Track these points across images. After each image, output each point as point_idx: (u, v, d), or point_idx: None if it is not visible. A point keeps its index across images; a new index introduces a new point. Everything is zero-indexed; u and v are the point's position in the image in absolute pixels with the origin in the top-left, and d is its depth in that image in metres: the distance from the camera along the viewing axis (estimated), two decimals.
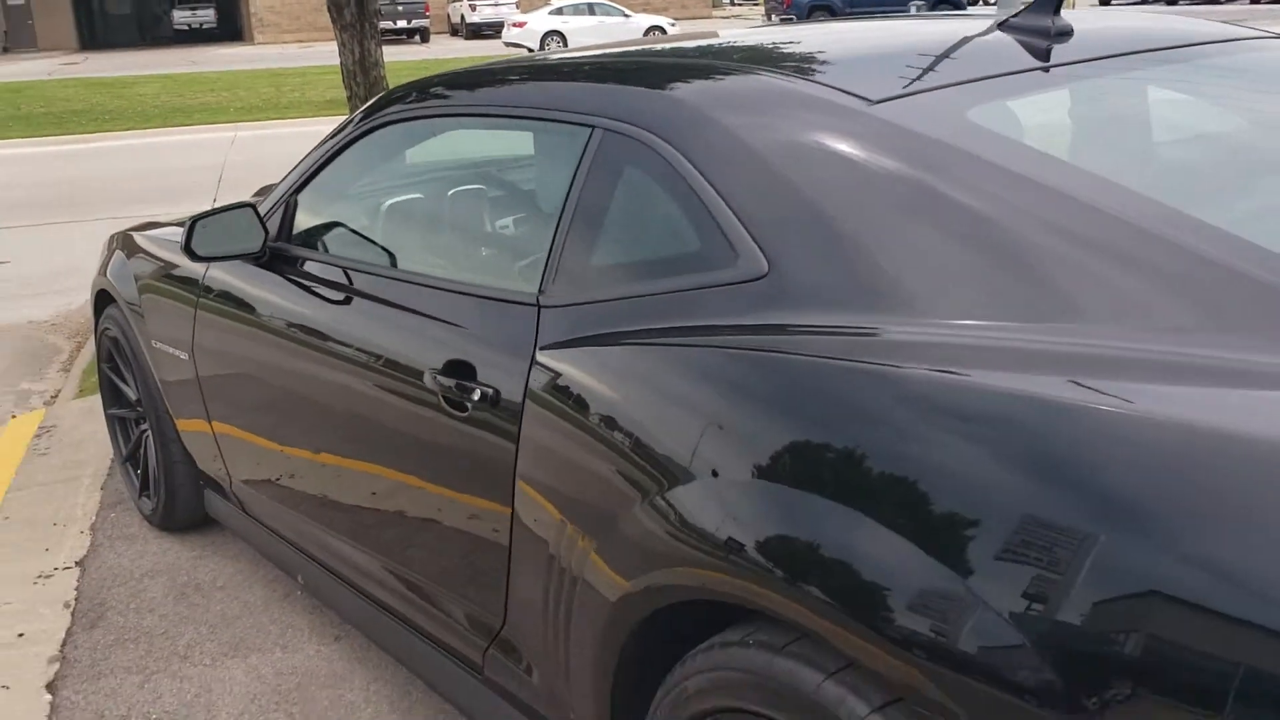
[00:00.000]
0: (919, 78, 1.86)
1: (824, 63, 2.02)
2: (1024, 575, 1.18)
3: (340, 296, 2.48)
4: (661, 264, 1.83)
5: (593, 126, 2.01)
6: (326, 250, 2.68)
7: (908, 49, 2.12)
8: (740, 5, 59.84)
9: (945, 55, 1.99)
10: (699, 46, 2.39)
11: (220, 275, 2.93)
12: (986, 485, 1.24)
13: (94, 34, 44.23)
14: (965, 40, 2.11)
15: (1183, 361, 1.28)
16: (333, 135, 2.76)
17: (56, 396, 5.28)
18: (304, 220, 2.78)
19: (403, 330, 2.24)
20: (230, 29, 44.22)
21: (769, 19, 35.63)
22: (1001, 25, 2.16)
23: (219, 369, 2.96)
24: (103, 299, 3.75)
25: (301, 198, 2.80)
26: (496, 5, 38.54)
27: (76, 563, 3.55)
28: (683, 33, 2.41)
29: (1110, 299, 1.40)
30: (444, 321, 2.15)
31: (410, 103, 2.53)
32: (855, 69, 1.97)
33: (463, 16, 40.01)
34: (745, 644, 1.49)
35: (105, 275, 3.67)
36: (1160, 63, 2.09)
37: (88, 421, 4.68)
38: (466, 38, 39.01)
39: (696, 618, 1.61)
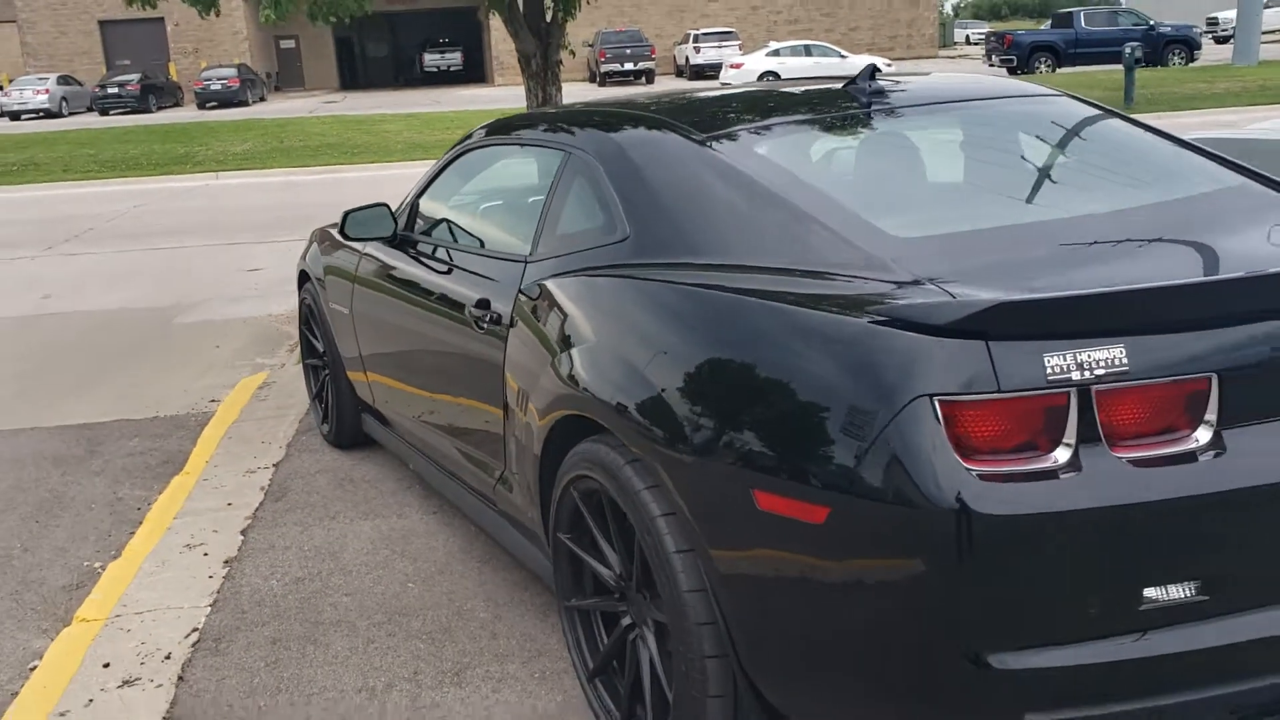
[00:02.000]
0: (738, 123, 2.97)
1: (694, 111, 3.14)
2: (700, 391, 2.28)
3: (429, 263, 3.75)
4: (586, 234, 2.99)
5: (567, 151, 3.20)
6: (426, 234, 3.96)
7: (757, 103, 3.23)
8: (975, 44, 59.61)
9: (769, 107, 3.10)
10: (636, 103, 3.48)
11: (369, 254, 4.27)
12: (679, 345, 2.34)
13: (354, 75, 48.51)
14: (793, 96, 3.20)
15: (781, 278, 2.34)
16: (441, 160, 4.05)
17: (282, 368, 6.82)
18: (419, 216, 4.08)
19: (458, 281, 3.48)
20: (474, 71, 47.58)
21: (989, 59, 35.74)
22: (846, 85, 3.22)
23: (366, 320, 4.29)
24: (302, 278, 5.18)
25: (420, 201, 4.11)
26: (720, 47, 40.07)
27: (274, 465, 4.95)
28: (636, 93, 3.55)
29: (783, 248, 2.46)
30: (478, 274, 3.37)
31: (477, 140, 3.80)
32: (707, 116, 3.08)
33: (687, 58, 41.77)
34: (594, 443, 2.63)
35: (304, 260, 5.11)
36: (927, 112, 3.11)
37: (297, 381, 6.15)
38: (690, 78, 40.71)
39: (572, 431, 2.75)
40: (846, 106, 3.13)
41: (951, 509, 1.86)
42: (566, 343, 2.73)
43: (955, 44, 65.54)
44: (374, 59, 51.59)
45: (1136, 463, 1.91)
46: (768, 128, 2.97)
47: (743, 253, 2.49)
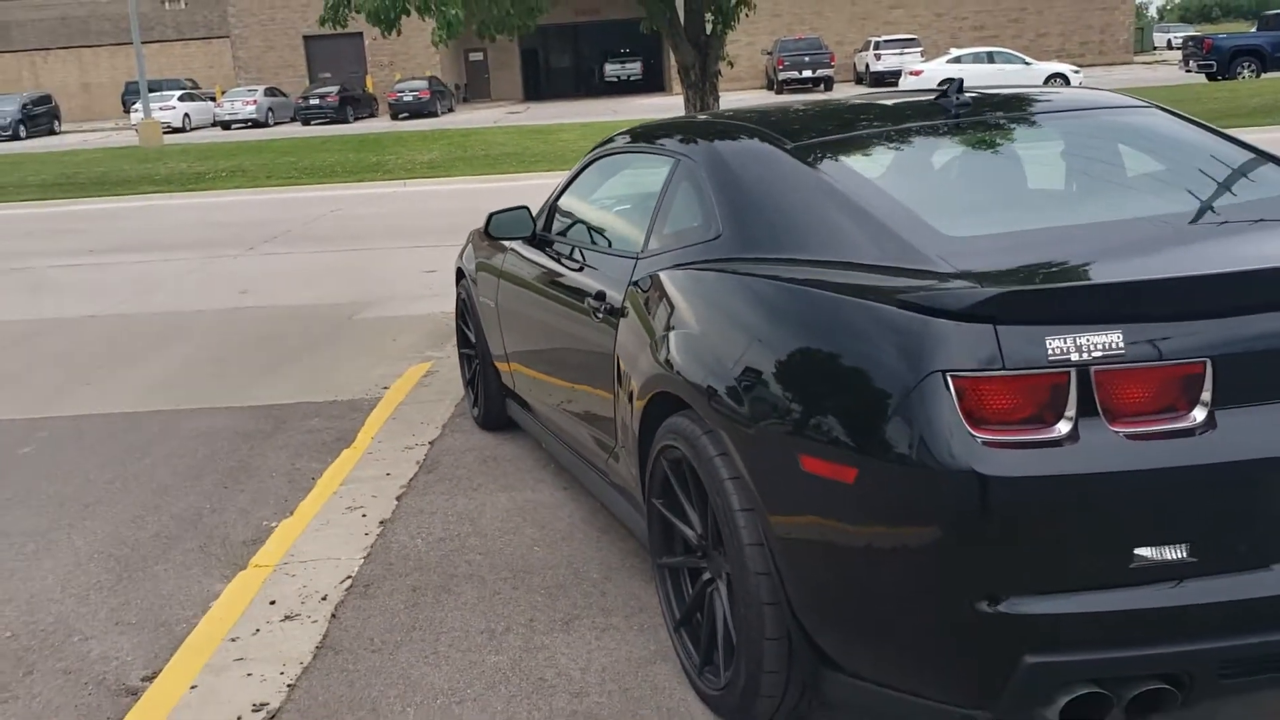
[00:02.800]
0: (825, 131, 3.27)
1: (791, 121, 3.44)
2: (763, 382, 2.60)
3: (560, 259, 4.16)
4: (687, 232, 3.33)
5: (677, 158, 3.55)
6: (560, 234, 4.38)
7: (849, 113, 3.51)
8: (1177, 49, 57.28)
9: (858, 118, 3.38)
10: (743, 113, 3.79)
11: (513, 251, 4.72)
12: (770, 338, 2.65)
13: (538, 86, 50.03)
14: (884, 107, 3.47)
15: (854, 272, 2.64)
16: (578, 165, 4.46)
17: (447, 359, 7.39)
18: (555, 216, 4.51)
19: (582, 276, 3.88)
20: (654, 80, 48.43)
21: (1186, 65, 34.41)
22: (937, 97, 3.47)
23: (508, 312, 4.74)
24: (459, 274, 5.68)
25: (557, 203, 4.53)
26: (902, 54, 39.73)
27: (429, 442, 5.47)
28: (738, 109, 3.88)
29: (847, 245, 2.75)
30: (598, 269, 3.76)
31: (606, 147, 4.19)
32: (800, 126, 3.38)
33: (867, 65, 41.55)
34: (680, 417, 2.97)
35: (460, 258, 5.62)
36: (1004, 122, 3.34)
37: (457, 370, 6.69)
38: (869, 85, 40.48)
39: (664, 408, 3.10)
40: (930, 117, 3.39)
41: (958, 470, 2.13)
42: (659, 328, 3.09)
43: (1155, 48, 62.91)
44: (557, 69, 53.11)
45: (1132, 436, 2.14)
46: (852, 137, 3.26)
47: (814, 249, 2.80)
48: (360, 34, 45.25)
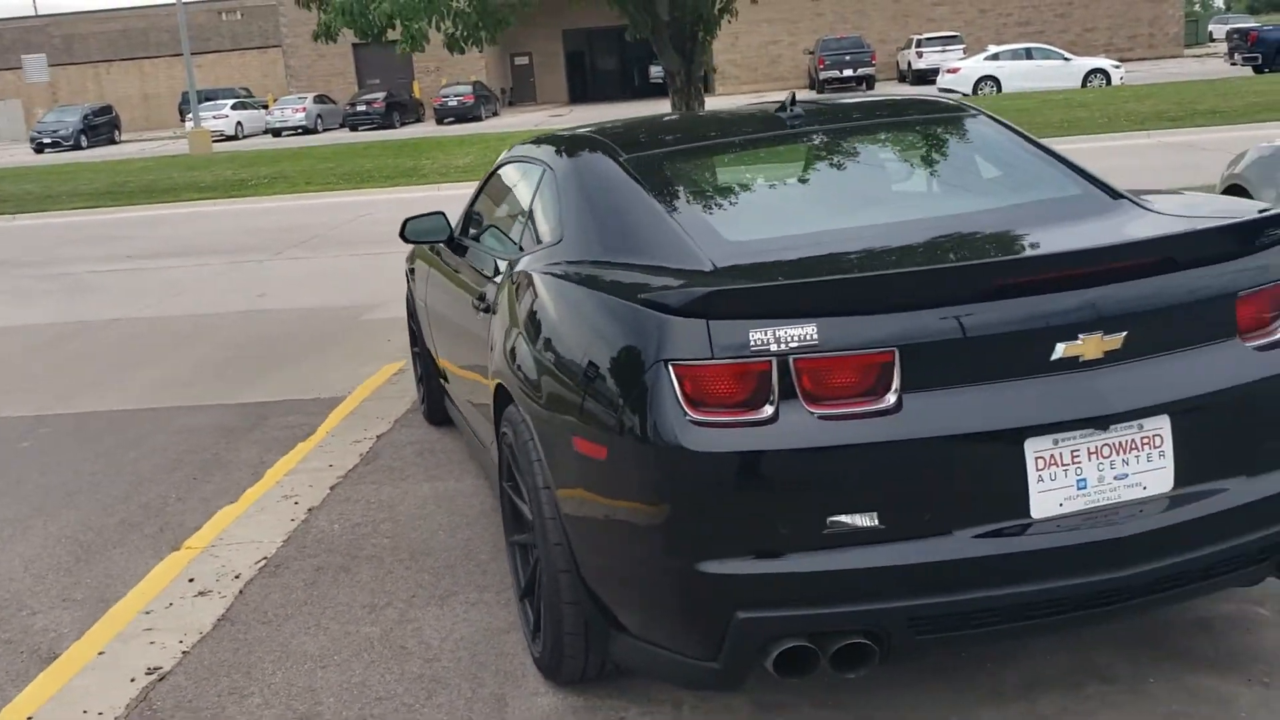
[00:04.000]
0: (660, 144, 3.54)
1: (635, 133, 3.71)
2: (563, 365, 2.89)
3: (463, 260, 4.48)
4: (544, 236, 3.62)
5: (546, 166, 3.84)
6: (468, 236, 4.70)
7: (687, 126, 3.79)
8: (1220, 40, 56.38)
9: (695, 130, 3.66)
10: (605, 125, 4.06)
11: (435, 254, 5.04)
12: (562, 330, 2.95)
13: (584, 89, 50.45)
14: (724, 119, 3.75)
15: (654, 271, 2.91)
16: (488, 172, 4.77)
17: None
18: (469, 220, 4.82)
19: (474, 276, 4.18)
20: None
21: (1231, 58, 33.93)
22: (777, 110, 3.72)
23: (432, 310, 5.07)
24: (409, 275, 6.02)
25: (471, 208, 4.85)
26: (944, 51, 39.55)
27: (377, 436, 5.81)
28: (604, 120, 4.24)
29: (646, 248, 3.03)
30: (486, 271, 4.06)
31: (509, 154, 4.50)
32: (641, 138, 3.65)
33: (909, 64, 41.42)
34: (511, 405, 3.27)
35: (407, 259, 5.95)
36: (826, 133, 3.60)
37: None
38: (912, 84, 40.35)
39: (507, 400, 3.39)
40: (764, 129, 3.66)
41: (674, 447, 2.41)
42: (506, 325, 3.39)
43: (1214, 40, 61.81)
44: (602, 72, 53.53)
45: (826, 417, 2.41)
46: (683, 149, 3.55)
47: (623, 252, 3.07)
48: None
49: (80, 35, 52.45)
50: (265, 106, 42.64)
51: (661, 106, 41.26)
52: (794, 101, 3.69)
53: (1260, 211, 2.88)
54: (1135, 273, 2.52)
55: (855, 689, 3.03)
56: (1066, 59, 33.62)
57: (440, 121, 39.50)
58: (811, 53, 42.89)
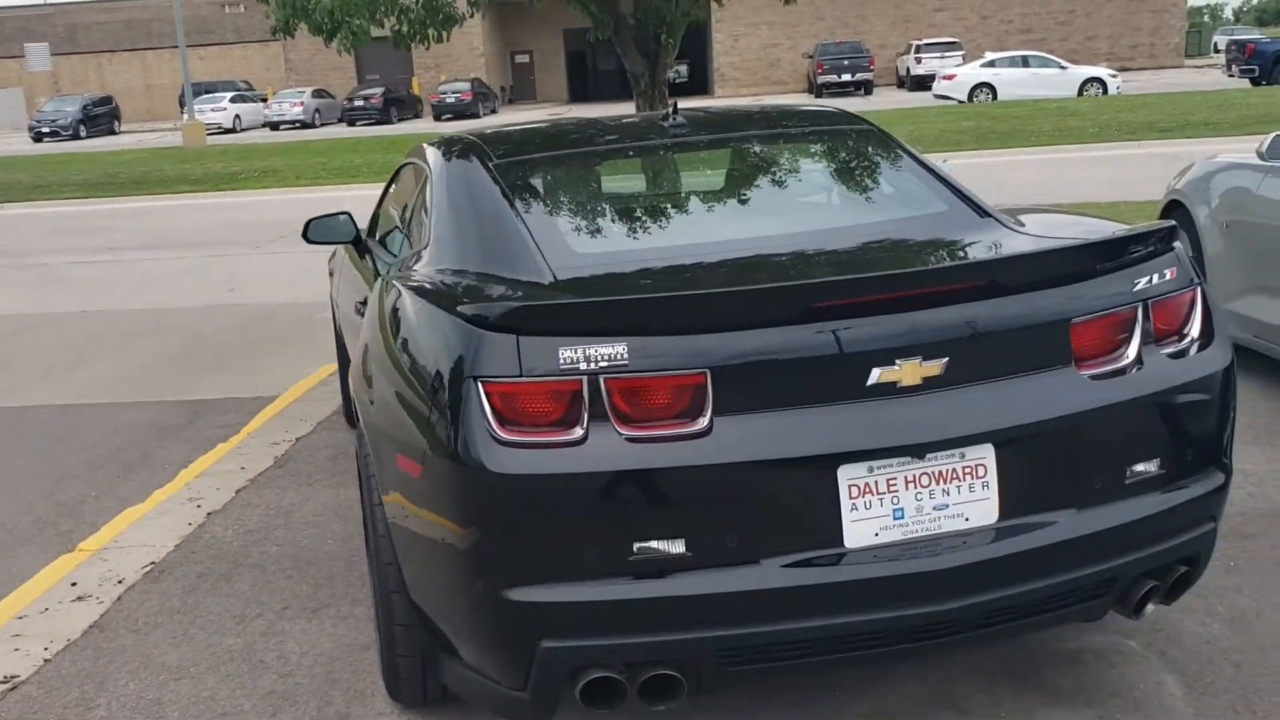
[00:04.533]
0: (534, 150, 3.47)
1: (511, 139, 3.64)
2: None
3: (363, 262, 4.41)
4: (417, 242, 3.54)
5: (428, 171, 3.75)
6: (372, 239, 4.63)
7: (568, 132, 3.72)
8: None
9: (576, 136, 3.58)
10: (486, 130, 3.99)
11: (343, 256, 4.97)
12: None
13: (584, 88, 50.35)
14: (604, 126, 3.67)
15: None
16: (392, 174, 4.70)
17: None
18: (376, 222, 4.75)
19: (366, 280, 4.11)
20: (699, 83, 48.58)
21: (1229, 70, 33.81)
22: (661, 119, 3.65)
23: (339, 309, 5.00)
24: (330, 276, 5.96)
25: (378, 210, 4.78)
26: (943, 58, 39.44)
27: (296, 439, 5.75)
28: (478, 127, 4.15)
29: (495, 258, 2.95)
30: (369, 276, 3.99)
31: (408, 156, 4.43)
32: (517, 144, 3.58)
33: (908, 69, 41.35)
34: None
35: (329, 260, 5.89)
36: (698, 145, 3.53)
37: None
38: (910, 89, 40.27)
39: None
40: (643, 138, 3.59)
41: (480, 469, 2.34)
42: (359, 333, 3.32)
43: (1218, 51, 61.60)
44: (604, 72, 53.30)
45: (635, 439, 2.33)
46: (555, 155, 3.48)
47: (474, 262, 3.00)
48: None
49: (83, 25, 52.44)
50: (264, 100, 42.61)
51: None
52: (676, 110, 3.61)
53: (1104, 235, 2.81)
54: (959, 297, 2.45)
55: (688, 713, 2.96)
56: (1063, 67, 33.50)
57: (438, 118, 39.44)
58: (810, 57, 42.80)
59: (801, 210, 3.34)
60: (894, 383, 2.39)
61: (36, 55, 43.87)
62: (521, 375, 2.34)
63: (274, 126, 39.72)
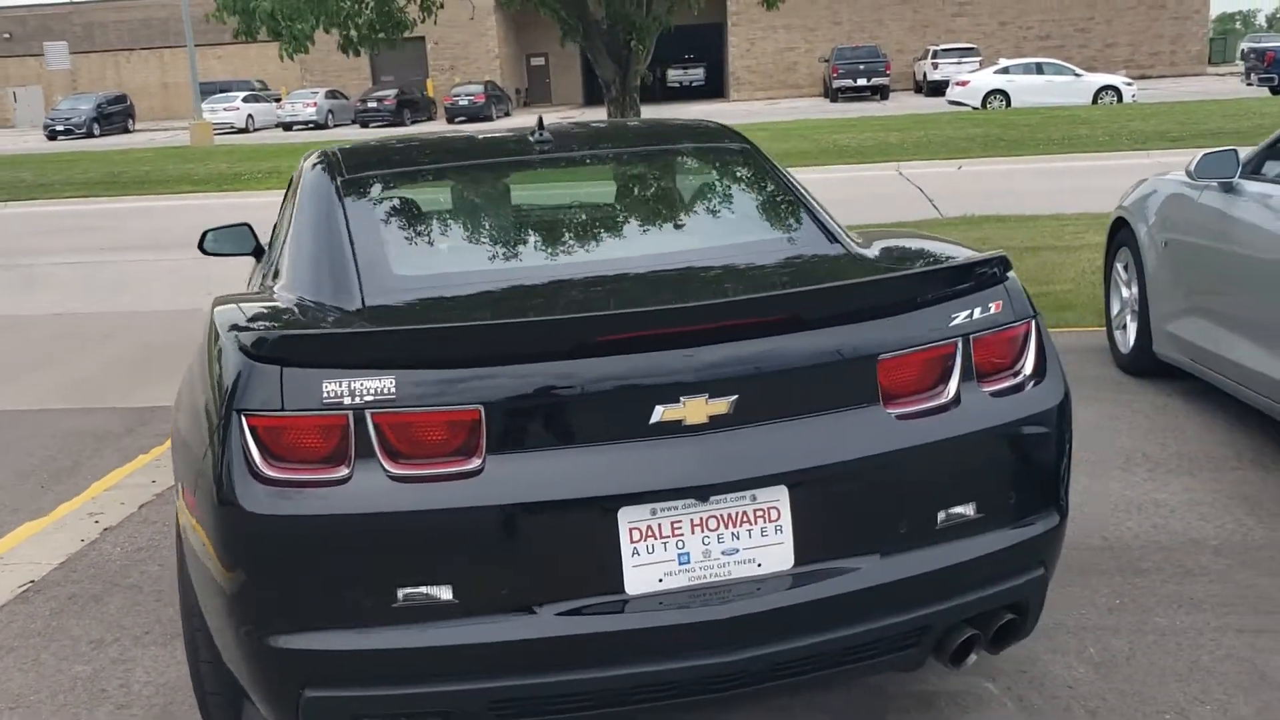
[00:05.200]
0: (387, 166, 3.35)
1: (368, 153, 3.50)
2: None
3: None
4: (273, 257, 3.43)
5: (297, 181, 3.65)
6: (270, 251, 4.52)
7: (429, 147, 3.60)
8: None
9: (434, 151, 3.47)
10: (366, 143, 3.88)
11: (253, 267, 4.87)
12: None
13: (598, 91, 50.17)
14: (469, 141, 3.55)
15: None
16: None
17: None
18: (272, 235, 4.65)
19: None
20: (715, 86, 48.46)
21: (1247, 79, 33.44)
22: (529, 134, 3.52)
23: None
24: None
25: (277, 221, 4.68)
26: (960, 63, 39.15)
27: None
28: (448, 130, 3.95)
29: (315, 282, 2.84)
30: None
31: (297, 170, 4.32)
32: (372, 158, 3.45)
33: (925, 75, 41.08)
34: None
35: None
36: (557, 163, 3.41)
37: None
38: (926, 94, 39.98)
39: None
40: (508, 154, 3.47)
41: (237, 508, 2.23)
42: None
43: (1246, 58, 60.92)
44: None
45: (403, 479, 2.21)
46: (403, 171, 3.37)
47: (298, 285, 2.88)
48: (422, 38, 46.01)
49: (101, 23, 52.75)
50: (278, 100, 42.70)
51: (675, 110, 41.00)
52: (541, 126, 3.49)
53: (923, 268, 2.67)
54: (750, 331, 2.32)
55: None
56: (1077, 75, 33.16)
57: (451, 120, 39.44)
58: (827, 61, 42.60)
59: (646, 234, 3.22)
60: (679, 421, 2.26)
61: (55, 53, 44.18)
62: (284, 409, 2.23)
63: (287, 127, 39.80)
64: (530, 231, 3.27)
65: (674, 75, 49.67)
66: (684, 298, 2.62)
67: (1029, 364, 2.57)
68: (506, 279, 2.80)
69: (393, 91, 40.38)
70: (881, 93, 39.88)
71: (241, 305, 2.74)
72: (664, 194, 3.40)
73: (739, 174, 3.38)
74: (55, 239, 15.23)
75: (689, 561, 2.29)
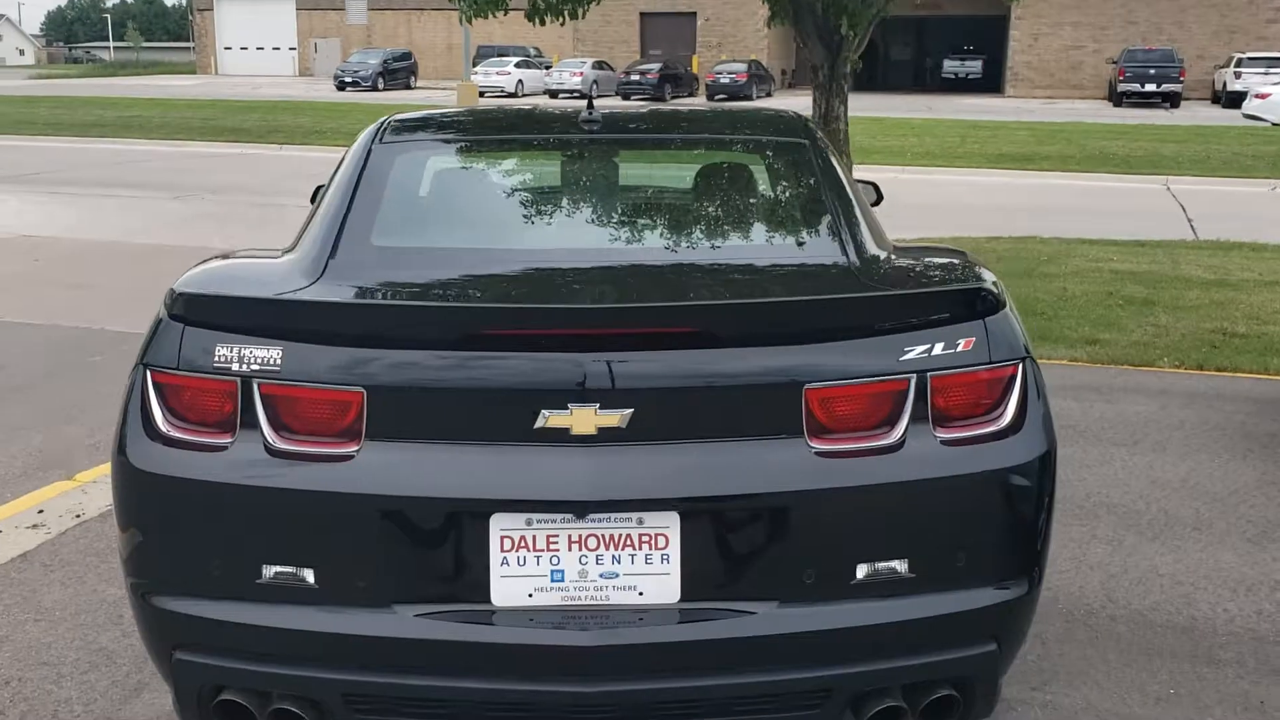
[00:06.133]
0: (414, 133, 3.26)
1: (409, 122, 3.42)
2: None
3: None
4: None
5: None
6: None
7: (456, 120, 3.49)
8: None
9: (455, 123, 3.37)
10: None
11: None
12: None
13: (871, 77, 48.92)
14: (519, 116, 3.43)
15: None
16: None
17: None
18: None
19: None
20: (991, 81, 46.41)
21: None
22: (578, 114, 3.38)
23: None
24: None
25: None
26: (1267, 73, 35.97)
27: None
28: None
29: (304, 242, 2.80)
30: None
31: None
32: (420, 125, 3.35)
33: (1224, 84, 37.97)
34: None
35: None
36: (597, 145, 3.22)
37: None
38: (1224, 106, 36.96)
39: None
40: (556, 131, 3.35)
41: (127, 461, 2.24)
42: None
43: None
44: (897, 62, 51.91)
45: (279, 454, 2.15)
46: (431, 143, 3.28)
47: (297, 242, 2.85)
48: (694, 13, 46.23)
49: None
50: (549, 67, 43.91)
51: (943, 101, 39.49)
52: (591, 107, 3.32)
53: (874, 293, 2.36)
54: (652, 342, 2.12)
55: None
56: None
57: (710, 97, 39.43)
58: (1114, 62, 39.99)
59: (646, 230, 3.01)
60: (565, 429, 2.10)
61: (355, 9, 46.99)
62: (179, 368, 2.21)
63: (553, 94, 40.85)
64: (534, 214, 3.13)
65: (950, 66, 47.84)
66: (628, 299, 2.43)
67: (1007, 413, 2.25)
68: (480, 260, 2.67)
69: (656, 65, 40.73)
70: (1172, 100, 37.06)
71: (216, 261, 2.75)
72: (683, 190, 3.19)
73: (778, 173, 3.13)
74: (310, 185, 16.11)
75: (562, 579, 2.13)
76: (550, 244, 2.86)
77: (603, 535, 2.12)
